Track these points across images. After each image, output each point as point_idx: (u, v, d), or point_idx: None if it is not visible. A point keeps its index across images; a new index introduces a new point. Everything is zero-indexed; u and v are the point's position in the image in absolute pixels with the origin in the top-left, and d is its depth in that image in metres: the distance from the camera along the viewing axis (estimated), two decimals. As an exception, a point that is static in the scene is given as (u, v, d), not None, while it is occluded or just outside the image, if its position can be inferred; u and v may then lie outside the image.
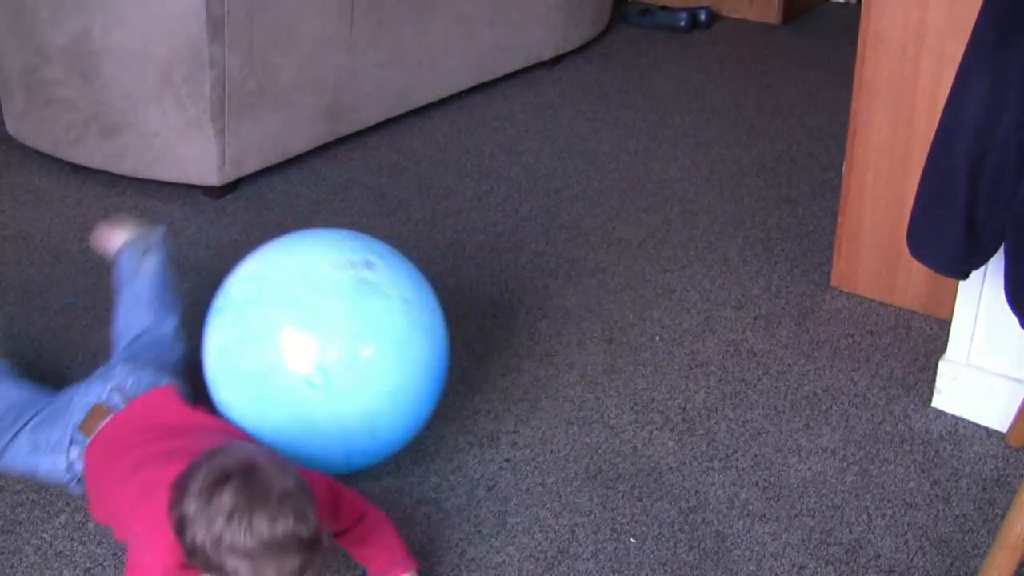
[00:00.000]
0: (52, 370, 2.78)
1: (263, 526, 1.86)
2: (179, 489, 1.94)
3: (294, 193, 3.60)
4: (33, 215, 3.50)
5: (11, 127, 3.84)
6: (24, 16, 3.54)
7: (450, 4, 4.02)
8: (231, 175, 3.53)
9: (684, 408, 2.67)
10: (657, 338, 2.92)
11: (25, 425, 2.34)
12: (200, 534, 1.88)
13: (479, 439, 2.56)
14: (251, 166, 3.58)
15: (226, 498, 1.88)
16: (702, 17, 5.18)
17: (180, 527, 1.91)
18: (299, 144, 3.72)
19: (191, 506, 1.90)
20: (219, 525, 1.86)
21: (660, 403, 2.69)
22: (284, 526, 1.87)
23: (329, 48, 3.65)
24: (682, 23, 5.12)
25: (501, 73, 4.42)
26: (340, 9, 3.61)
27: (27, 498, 2.39)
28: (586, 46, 4.86)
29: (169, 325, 2.57)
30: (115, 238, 2.75)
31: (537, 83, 4.49)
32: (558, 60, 4.67)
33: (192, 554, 1.91)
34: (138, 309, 2.58)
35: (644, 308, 3.05)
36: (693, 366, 2.82)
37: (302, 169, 3.74)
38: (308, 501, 1.91)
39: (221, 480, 1.90)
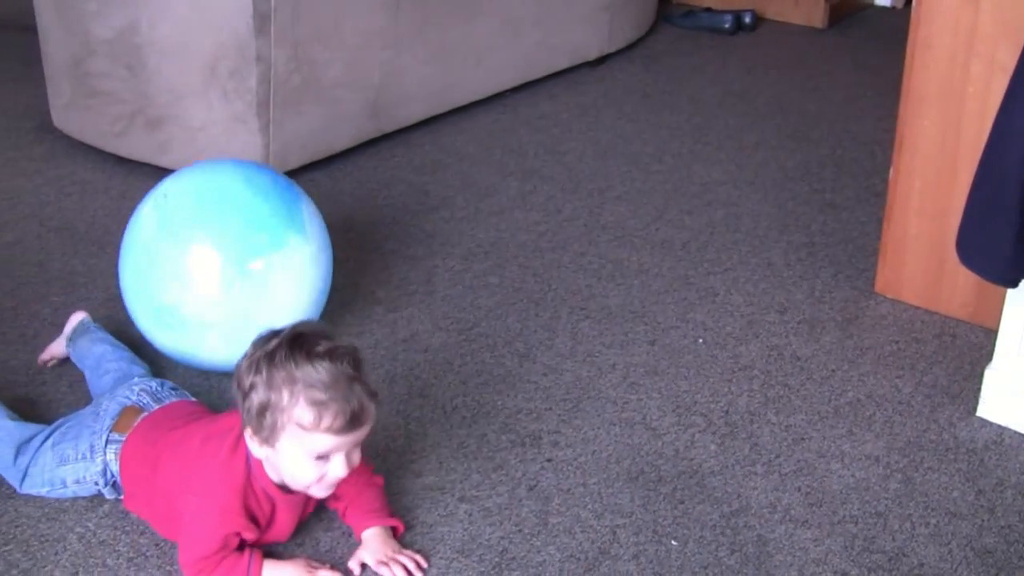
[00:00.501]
0: (95, 361, 2.79)
1: (319, 358, 1.99)
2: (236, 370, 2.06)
3: (337, 189, 3.61)
4: (78, 206, 3.51)
5: (57, 119, 3.86)
6: (71, 8, 3.56)
7: (496, 2, 4.02)
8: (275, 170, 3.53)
9: (727, 412, 2.66)
10: (700, 341, 2.91)
11: (42, 445, 2.36)
12: (262, 387, 2.00)
13: (521, 438, 2.56)
14: (295, 161, 3.58)
15: (275, 343, 2.03)
16: (747, 20, 5.17)
17: (244, 395, 2.02)
18: (343, 140, 3.72)
19: (245, 364, 2.03)
20: (279, 370, 1.99)
21: (703, 406, 2.68)
22: (342, 362, 2.01)
23: (374, 44, 3.65)
24: (726, 25, 5.11)
25: (545, 72, 4.41)
26: (386, 5, 3.61)
27: (70, 488, 2.40)
28: (630, 47, 4.84)
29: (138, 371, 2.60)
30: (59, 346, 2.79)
31: (581, 83, 4.48)
32: (602, 60, 4.66)
33: (257, 422, 2.02)
34: (107, 375, 2.60)
35: (687, 310, 3.04)
36: (736, 369, 2.81)
37: (345, 165, 3.74)
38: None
39: (272, 334, 2.05)
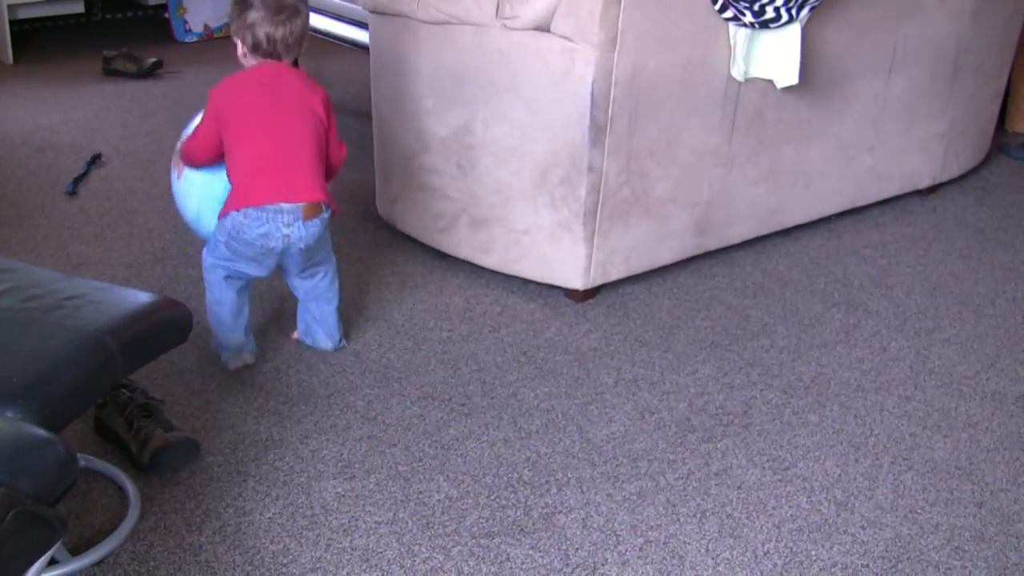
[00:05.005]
0: (403, 457, 2.78)
1: None
2: None
3: (656, 305, 3.54)
4: (396, 298, 3.54)
5: (382, 209, 3.92)
6: (409, 103, 3.61)
7: (833, 126, 3.91)
8: (596, 280, 3.49)
9: (1061, 591, 2.48)
10: (1033, 509, 2.74)
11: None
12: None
13: (836, 596, 2.43)
14: (616, 273, 3.54)
15: None
16: (1089, 155, 4.92)
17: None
18: (665, 255, 3.66)
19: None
20: None
21: (1034, 582, 2.50)
22: None
23: (707, 161, 3.59)
24: (1068, 161, 4.88)
25: (874, 199, 4.27)
26: (722, 124, 3.55)
27: None
28: (963, 177, 4.66)
29: None
30: None
31: (910, 213, 4.32)
32: (933, 190, 4.49)
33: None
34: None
35: (1018, 472, 2.85)
36: (1072, 545, 2.62)
37: (665, 281, 3.68)
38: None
39: None
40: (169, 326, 2.42)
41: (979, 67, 4.39)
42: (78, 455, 2.10)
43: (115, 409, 2.81)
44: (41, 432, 1.99)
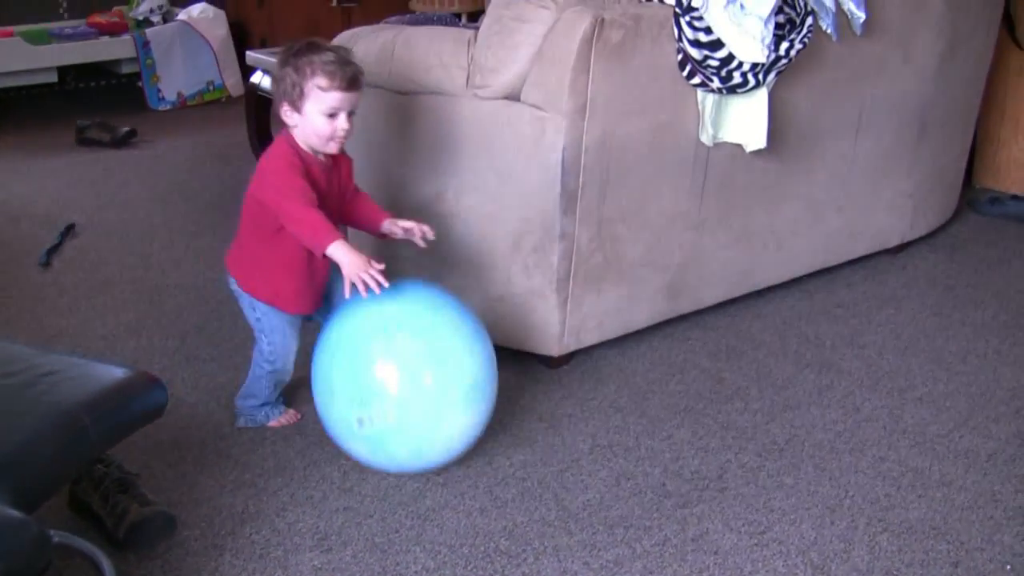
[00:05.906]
0: (379, 528, 2.78)
1: (327, 50, 2.93)
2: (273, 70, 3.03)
3: (630, 370, 3.56)
4: (372, 366, 3.54)
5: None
6: (382, 174, 3.62)
7: (802, 187, 3.95)
8: (569, 346, 3.51)
9: (1037, 652, 2.48)
10: (1008, 567, 2.74)
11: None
12: (292, 71, 2.91)
13: (813, 661, 2.43)
14: (590, 339, 3.56)
15: (297, 46, 2.95)
16: (1059, 210, 4.97)
17: (280, 80, 2.95)
18: (639, 319, 3.68)
19: (279, 60, 2.98)
20: (302, 58, 2.91)
21: (1010, 643, 2.51)
22: (342, 51, 2.97)
23: (677, 225, 3.61)
24: (1035, 215, 4.93)
25: (845, 259, 4.31)
26: (692, 187, 3.58)
27: None
28: (932, 234, 4.70)
29: None
30: None
31: (881, 271, 4.35)
32: (903, 248, 4.53)
33: (290, 95, 2.92)
34: None
35: (993, 531, 2.87)
36: (1048, 605, 2.63)
37: (639, 345, 3.70)
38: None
39: (292, 43, 2.97)
40: (144, 402, 2.42)
41: (945, 125, 4.45)
42: (52, 531, 2.10)
43: (90, 484, 2.81)
44: (15, 513, 1.99)
